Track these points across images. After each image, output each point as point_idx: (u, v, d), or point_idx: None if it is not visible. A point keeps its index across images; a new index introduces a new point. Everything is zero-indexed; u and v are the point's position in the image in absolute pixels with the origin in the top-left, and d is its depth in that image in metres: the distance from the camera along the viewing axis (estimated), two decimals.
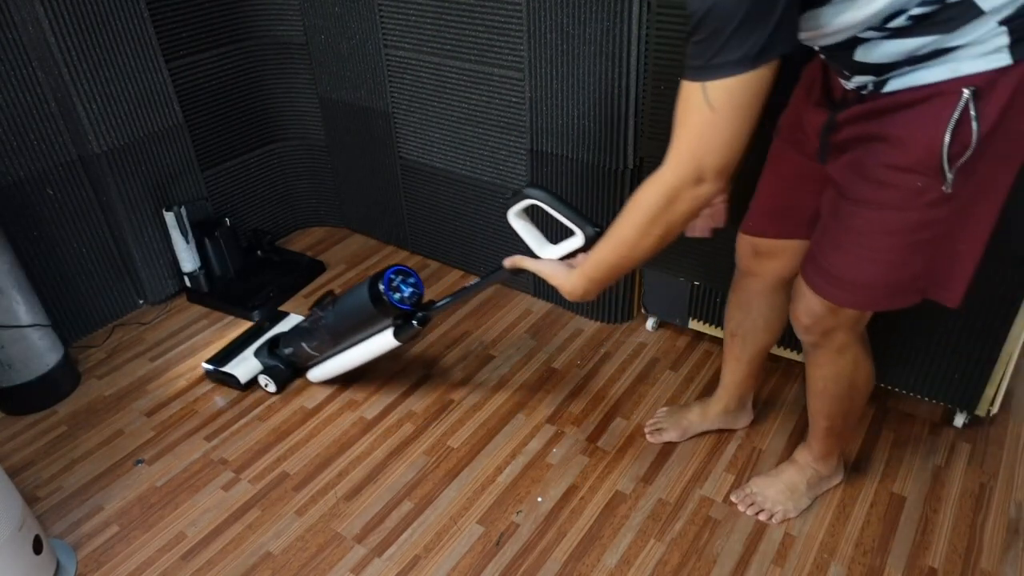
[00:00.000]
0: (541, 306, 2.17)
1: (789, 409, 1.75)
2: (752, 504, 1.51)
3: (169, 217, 2.11)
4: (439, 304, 1.60)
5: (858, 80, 1.03)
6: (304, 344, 1.81)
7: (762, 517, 1.49)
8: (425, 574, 1.43)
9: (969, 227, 1.05)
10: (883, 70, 0.97)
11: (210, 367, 1.92)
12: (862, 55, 0.97)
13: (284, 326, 2.04)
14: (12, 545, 1.32)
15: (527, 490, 1.59)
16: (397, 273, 1.60)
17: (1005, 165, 0.99)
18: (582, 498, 1.57)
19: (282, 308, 2.18)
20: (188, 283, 2.24)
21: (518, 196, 1.28)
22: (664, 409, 1.75)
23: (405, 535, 1.51)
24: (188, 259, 2.19)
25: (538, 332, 2.06)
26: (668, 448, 1.67)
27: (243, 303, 2.20)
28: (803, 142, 1.22)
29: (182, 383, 1.96)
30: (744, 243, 1.43)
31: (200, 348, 2.08)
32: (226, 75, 2.22)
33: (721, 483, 1.58)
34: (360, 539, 1.51)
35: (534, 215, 1.38)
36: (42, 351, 1.85)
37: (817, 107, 1.16)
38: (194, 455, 1.73)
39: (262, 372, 1.89)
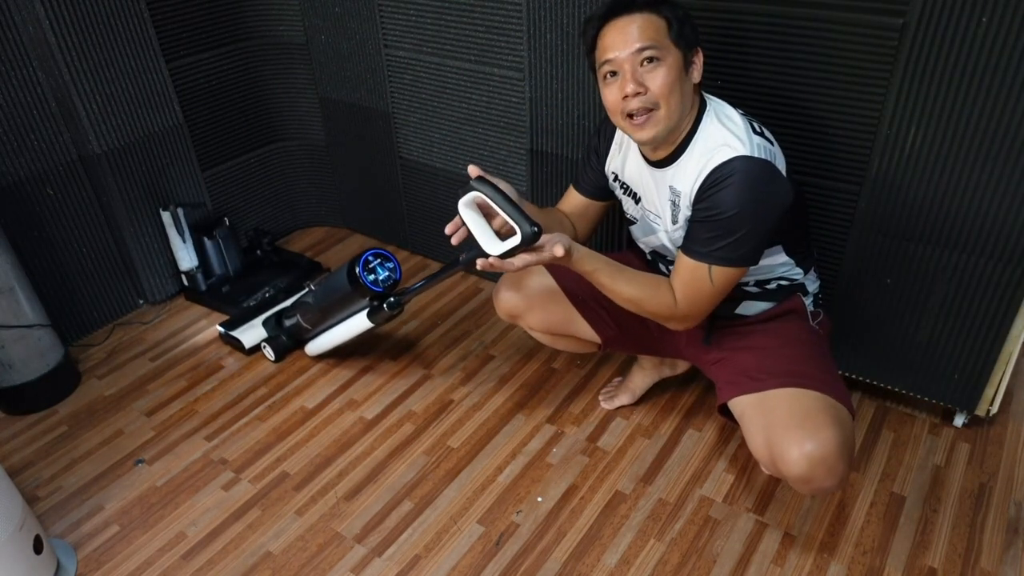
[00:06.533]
0: None
1: None
2: None
3: (166, 216, 2.12)
4: (411, 288, 1.61)
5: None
6: (300, 317, 1.90)
7: None
8: (425, 574, 1.43)
9: None
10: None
11: (222, 330, 2.06)
12: (743, 309, 1.44)
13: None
14: (12, 545, 1.32)
15: (527, 490, 1.59)
16: (376, 256, 1.66)
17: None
18: (582, 498, 1.57)
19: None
20: (186, 282, 2.25)
21: (467, 189, 1.26)
22: (617, 379, 1.85)
23: (405, 535, 1.51)
24: (185, 258, 2.19)
25: None
26: (668, 448, 1.67)
27: (238, 303, 2.20)
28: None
29: (182, 383, 1.96)
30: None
31: (202, 346, 2.08)
32: (226, 75, 2.22)
33: (721, 483, 1.58)
34: (360, 539, 1.51)
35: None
36: (42, 351, 1.85)
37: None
38: (194, 455, 1.73)
39: (265, 340, 2.00)
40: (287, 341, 1.99)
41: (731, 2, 1.44)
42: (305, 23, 2.20)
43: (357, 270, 1.62)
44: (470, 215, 1.27)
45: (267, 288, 2.25)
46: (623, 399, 1.79)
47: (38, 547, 1.38)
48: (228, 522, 1.56)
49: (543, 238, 1.19)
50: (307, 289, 1.88)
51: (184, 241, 2.16)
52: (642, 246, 1.50)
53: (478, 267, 1.24)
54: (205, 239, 2.21)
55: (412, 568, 1.44)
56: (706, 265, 1.23)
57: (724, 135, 1.22)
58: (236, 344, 2.03)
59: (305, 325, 1.90)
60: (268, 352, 2.00)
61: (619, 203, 1.49)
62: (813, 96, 1.44)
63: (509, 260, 1.21)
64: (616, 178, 1.45)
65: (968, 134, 1.33)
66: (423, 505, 1.57)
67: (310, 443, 1.75)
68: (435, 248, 2.39)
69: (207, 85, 2.18)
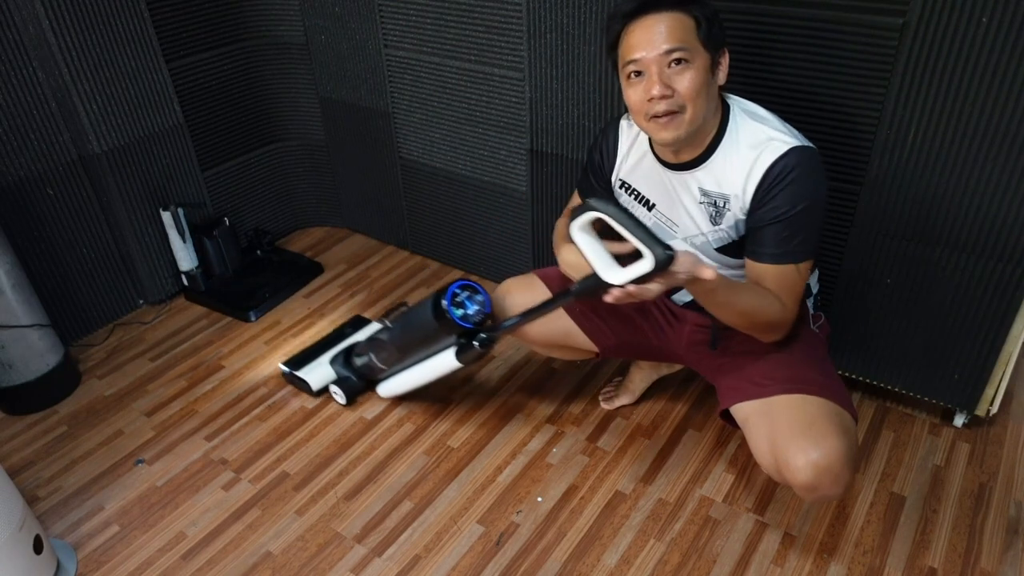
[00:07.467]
0: None
1: None
2: None
3: (166, 216, 2.12)
4: (505, 324, 1.45)
5: None
6: (373, 356, 1.74)
7: None
8: (425, 574, 1.43)
9: None
10: None
11: (286, 369, 1.90)
12: None
13: (365, 334, 1.97)
14: (12, 545, 1.32)
15: (527, 490, 1.59)
16: (464, 288, 1.49)
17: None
18: (582, 498, 1.57)
19: (364, 315, 2.12)
20: (186, 282, 2.25)
21: (583, 209, 1.11)
22: (617, 379, 1.83)
23: (405, 535, 1.51)
24: (185, 258, 2.19)
25: None
26: (668, 448, 1.67)
27: (238, 303, 2.21)
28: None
29: (182, 383, 1.96)
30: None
31: (202, 347, 2.08)
32: (226, 75, 2.22)
33: (721, 483, 1.58)
34: (360, 539, 1.51)
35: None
36: (42, 351, 1.85)
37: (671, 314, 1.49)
38: (194, 455, 1.73)
39: (334, 382, 1.84)
40: (358, 382, 1.83)
41: (731, 2, 1.44)
42: (305, 23, 2.20)
43: (444, 304, 1.45)
44: (585, 239, 1.14)
45: (265, 289, 2.25)
46: (623, 399, 1.78)
47: (38, 547, 1.38)
48: (228, 522, 1.56)
49: (679, 260, 1.05)
50: (381, 325, 1.70)
51: (184, 241, 2.16)
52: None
53: (608, 299, 1.11)
54: (205, 239, 2.21)
55: (412, 568, 1.44)
56: (792, 265, 1.22)
57: (764, 130, 1.21)
58: (302, 385, 1.87)
59: (379, 365, 1.74)
60: (338, 396, 1.83)
61: None
62: (813, 96, 1.44)
63: (645, 286, 1.08)
64: (624, 185, 1.41)
65: (968, 134, 1.33)
66: (423, 505, 1.57)
67: (310, 443, 1.75)
68: (435, 248, 2.39)
69: (207, 85, 2.18)
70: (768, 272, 1.23)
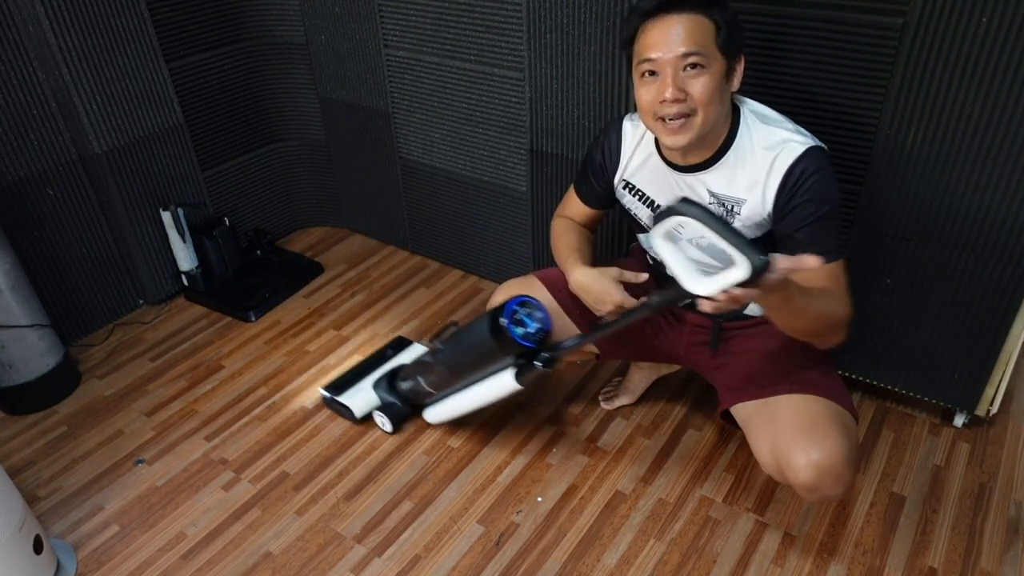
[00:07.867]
0: None
1: None
2: None
3: (166, 216, 2.12)
4: (567, 344, 1.37)
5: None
6: (421, 379, 1.65)
7: None
8: (425, 574, 1.43)
9: None
10: None
11: (327, 394, 1.81)
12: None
13: (407, 356, 1.91)
14: (12, 545, 1.32)
15: (527, 490, 1.59)
16: (522, 305, 1.39)
17: None
18: (582, 498, 1.57)
19: (405, 335, 2.04)
20: (186, 282, 2.25)
21: (667, 213, 1.01)
22: (617, 379, 1.84)
23: (405, 535, 1.51)
24: (185, 258, 2.19)
25: None
26: (668, 448, 1.67)
27: (238, 303, 2.21)
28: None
29: (182, 383, 1.96)
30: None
31: (202, 347, 2.08)
32: (226, 75, 2.22)
33: (721, 483, 1.58)
34: (360, 539, 1.51)
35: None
36: (42, 351, 1.85)
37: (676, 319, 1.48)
38: (194, 455, 1.73)
39: (379, 408, 1.75)
40: (403, 407, 1.75)
41: (731, 2, 1.43)
42: (305, 23, 2.20)
43: (504, 322, 1.35)
44: (668, 247, 1.05)
45: (265, 289, 2.25)
46: (623, 399, 1.79)
47: (38, 547, 1.38)
48: (228, 522, 1.56)
49: (775, 263, 0.95)
50: (432, 346, 1.62)
51: (184, 241, 2.16)
52: (653, 254, 1.49)
53: (707, 308, 1.01)
54: (205, 239, 2.21)
55: (412, 568, 1.44)
56: (835, 263, 1.20)
57: (778, 132, 1.20)
58: (344, 412, 1.78)
59: (427, 388, 1.65)
60: (383, 423, 1.74)
61: (624, 210, 1.44)
62: (813, 96, 1.44)
63: (744, 291, 0.97)
64: (627, 185, 1.40)
65: (968, 134, 1.33)
66: (423, 505, 1.57)
67: (310, 443, 1.75)
68: (435, 248, 2.39)
69: (207, 85, 2.18)
70: (817, 273, 1.19)
